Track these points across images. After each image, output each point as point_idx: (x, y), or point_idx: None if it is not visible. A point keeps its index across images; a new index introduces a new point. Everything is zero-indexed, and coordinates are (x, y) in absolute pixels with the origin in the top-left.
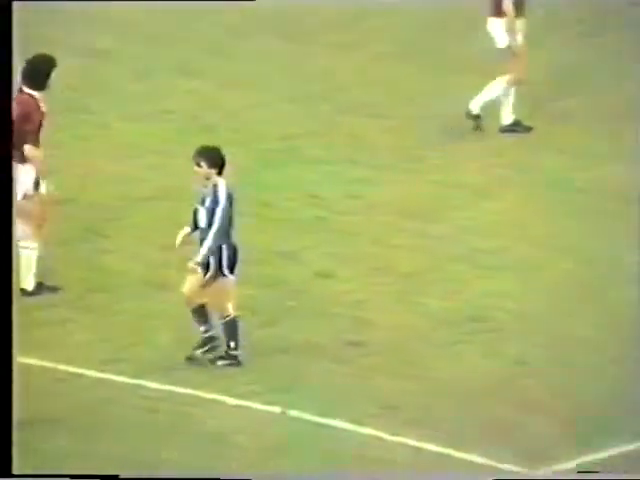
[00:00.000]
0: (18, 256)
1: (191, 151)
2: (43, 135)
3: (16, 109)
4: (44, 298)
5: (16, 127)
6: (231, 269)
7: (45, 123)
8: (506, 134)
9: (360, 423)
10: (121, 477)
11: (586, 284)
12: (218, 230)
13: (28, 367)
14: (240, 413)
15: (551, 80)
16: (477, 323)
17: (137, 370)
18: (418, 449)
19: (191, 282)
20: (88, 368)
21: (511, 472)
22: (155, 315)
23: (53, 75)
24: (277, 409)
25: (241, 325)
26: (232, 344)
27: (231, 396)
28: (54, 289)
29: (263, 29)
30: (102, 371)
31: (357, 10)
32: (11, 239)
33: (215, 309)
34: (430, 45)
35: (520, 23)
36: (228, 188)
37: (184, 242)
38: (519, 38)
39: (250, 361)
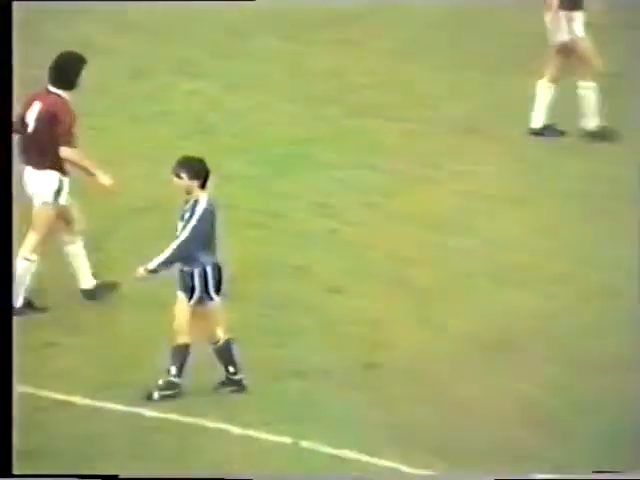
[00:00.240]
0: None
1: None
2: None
3: (41, 111)
4: (29, 318)
5: (40, 130)
6: (217, 290)
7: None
8: (534, 138)
9: (378, 454)
10: (121, 477)
11: (621, 302)
12: (180, 245)
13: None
14: (246, 443)
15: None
16: (502, 344)
17: (133, 397)
18: None
19: (180, 314)
20: (77, 395)
21: None
22: (153, 335)
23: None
24: (287, 439)
25: (236, 347)
26: (231, 368)
27: (236, 425)
28: (42, 309)
29: (264, 28)
30: (94, 399)
31: (361, 6)
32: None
33: (204, 335)
34: (441, 41)
35: (578, 16)
36: (210, 204)
37: None
38: (578, 32)
39: (257, 386)
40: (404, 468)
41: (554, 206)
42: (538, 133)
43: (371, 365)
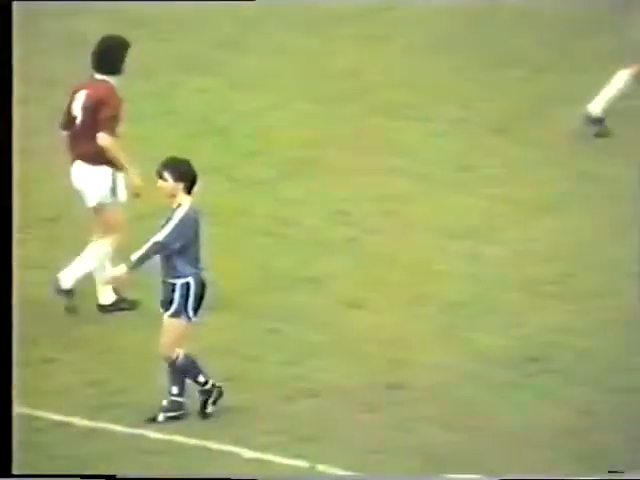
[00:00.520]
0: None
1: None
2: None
3: (87, 98)
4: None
5: (87, 119)
6: (195, 311)
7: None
8: (569, 139)
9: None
10: (118, 477)
11: None
12: (157, 243)
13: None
14: (259, 468)
15: None
16: (536, 363)
17: (135, 418)
18: None
19: (167, 330)
20: (76, 416)
21: None
22: (155, 352)
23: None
24: (304, 463)
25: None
26: (201, 378)
27: (248, 448)
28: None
29: (279, 22)
30: (93, 419)
31: None
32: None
33: (162, 349)
34: (469, 38)
35: None
36: (194, 211)
37: None
38: None
39: (270, 407)
40: None
41: (591, 213)
42: (592, 121)
43: (392, 385)
